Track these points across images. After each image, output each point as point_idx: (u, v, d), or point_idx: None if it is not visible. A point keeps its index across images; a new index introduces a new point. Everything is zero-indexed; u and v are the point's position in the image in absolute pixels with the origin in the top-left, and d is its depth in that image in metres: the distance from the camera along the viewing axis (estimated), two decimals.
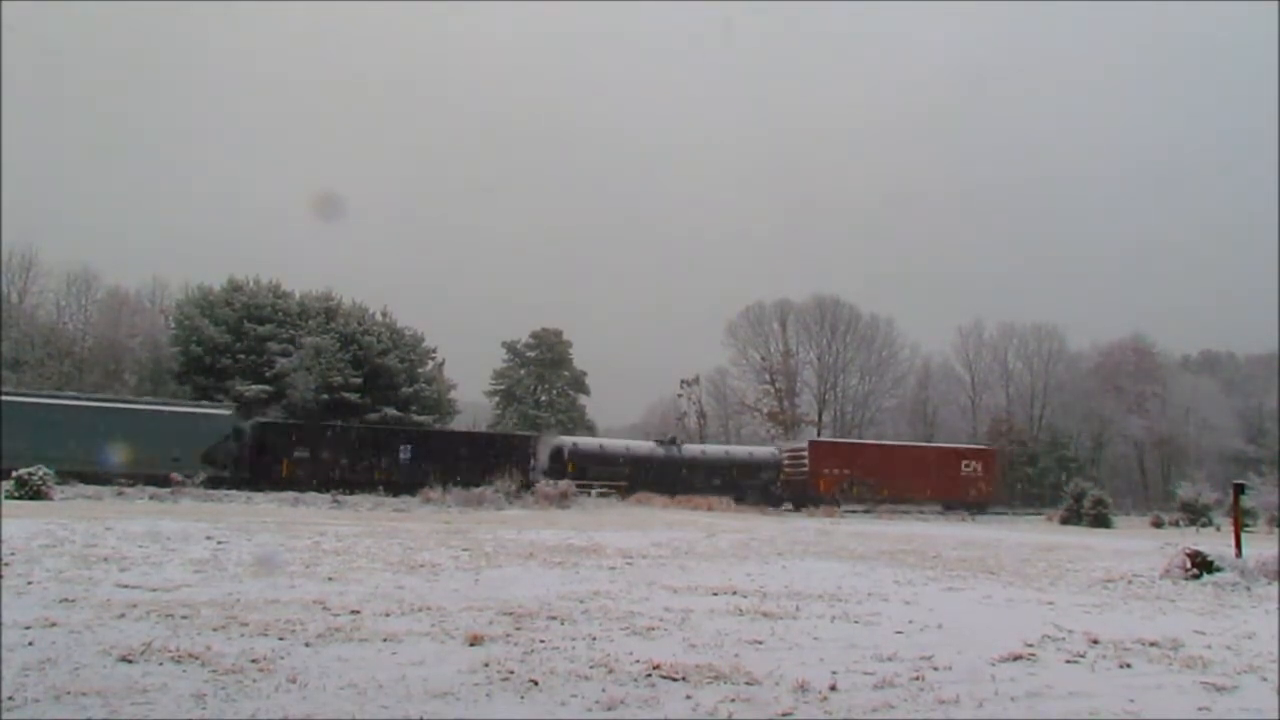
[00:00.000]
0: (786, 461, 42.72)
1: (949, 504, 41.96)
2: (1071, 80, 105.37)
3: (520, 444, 37.51)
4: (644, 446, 40.69)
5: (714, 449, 43.76)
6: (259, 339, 41.34)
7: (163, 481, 28.19)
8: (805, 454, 42.12)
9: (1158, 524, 34.56)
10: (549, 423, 52.35)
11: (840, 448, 44.52)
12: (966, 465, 44.33)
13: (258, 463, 32.56)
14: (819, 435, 55.02)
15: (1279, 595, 10.00)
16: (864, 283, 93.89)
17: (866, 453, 44.18)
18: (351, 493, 30.40)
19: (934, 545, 17.67)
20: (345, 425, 36.94)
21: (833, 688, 5.07)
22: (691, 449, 41.54)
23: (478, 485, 31.79)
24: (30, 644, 5.61)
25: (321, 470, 32.65)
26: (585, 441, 40.51)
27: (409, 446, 34.83)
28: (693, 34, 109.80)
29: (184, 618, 6.65)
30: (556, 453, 38.25)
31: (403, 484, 32.74)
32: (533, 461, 36.16)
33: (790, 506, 38.34)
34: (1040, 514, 41.00)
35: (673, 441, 41.00)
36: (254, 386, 39.54)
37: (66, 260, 44.65)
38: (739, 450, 44.58)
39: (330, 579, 9.25)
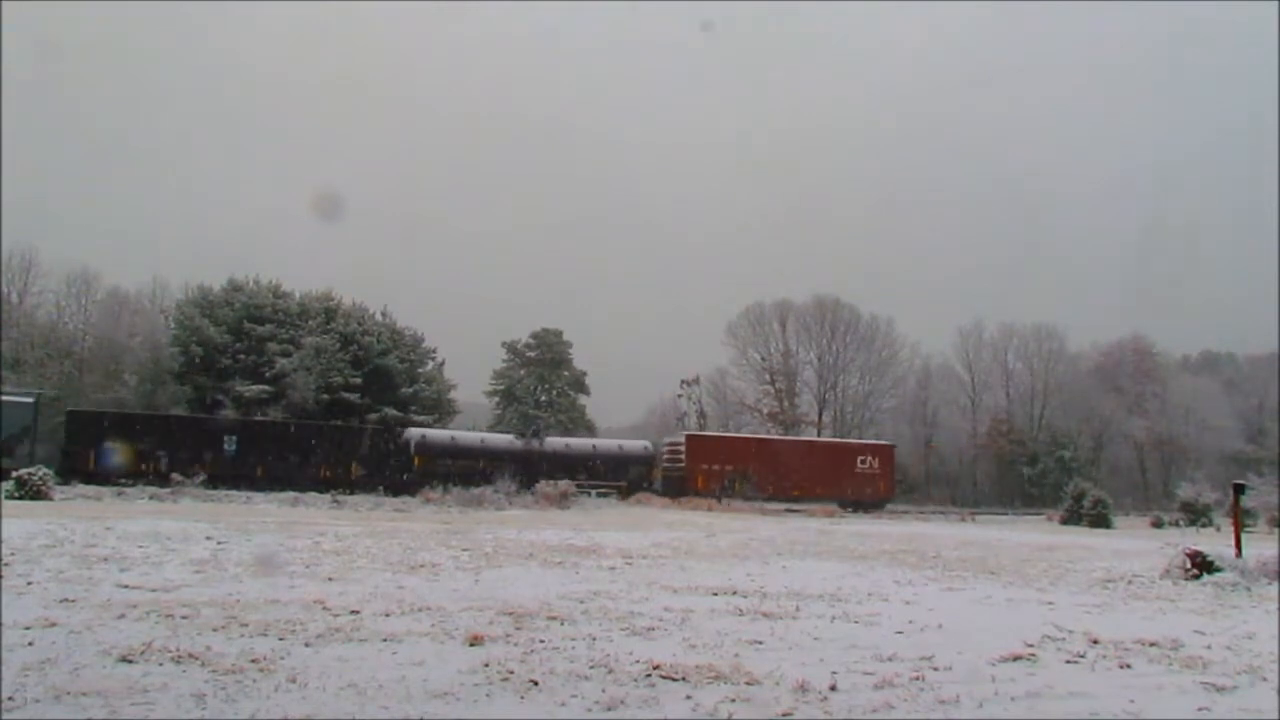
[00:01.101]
0: (665, 456, 41.56)
1: (844, 501, 40.54)
2: (1073, 79, 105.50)
3: (358, 435, 36.38)
4: (501, 439, 39.81)
5: (580, 443, 42.36)
6: (259, 339, 41.31)
7: None
8: (682, 448, 40.84)
9: (1157, 524, 34.47)
10: (549, 423, 52.33)
11: (720, 442, 43.05)
12: (862, 461, 42.63)
13: (65, 454, 30.45)
14: (819, 435, 54.96)
15: (1279, 595, 10.00)
16: (864, 283, 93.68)
17: (749, 447, 42.67)
18: (165, 485, 28.12)
19: (934, 545, 17.68)
20: (165, 415, 35.23)
21: (833, 688, 5.07)
22: (554, 442, 40.18)
23: (313, 479, 30.88)
24: (30, 644, 5.61)
25: (136, 462, 30.61)
26: (435, 433, 39.07)
27: (234, 438, 33.16)
28: (693, 34, 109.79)
29: (184, 618, 6.65)
30: (404, 445, 37.24)
31: (226, 477, 30.96)
32: (364, 451, 35.21)
33: (669, 500, 36.56)
34: (1040, 514, 40.91)
35: (535, 434, 39.89)
36: (254, 387, 39.53)
37: (66, 260, 44.62)
38: (607, 444, 43.02)
39: (330, 579, 9.26)
